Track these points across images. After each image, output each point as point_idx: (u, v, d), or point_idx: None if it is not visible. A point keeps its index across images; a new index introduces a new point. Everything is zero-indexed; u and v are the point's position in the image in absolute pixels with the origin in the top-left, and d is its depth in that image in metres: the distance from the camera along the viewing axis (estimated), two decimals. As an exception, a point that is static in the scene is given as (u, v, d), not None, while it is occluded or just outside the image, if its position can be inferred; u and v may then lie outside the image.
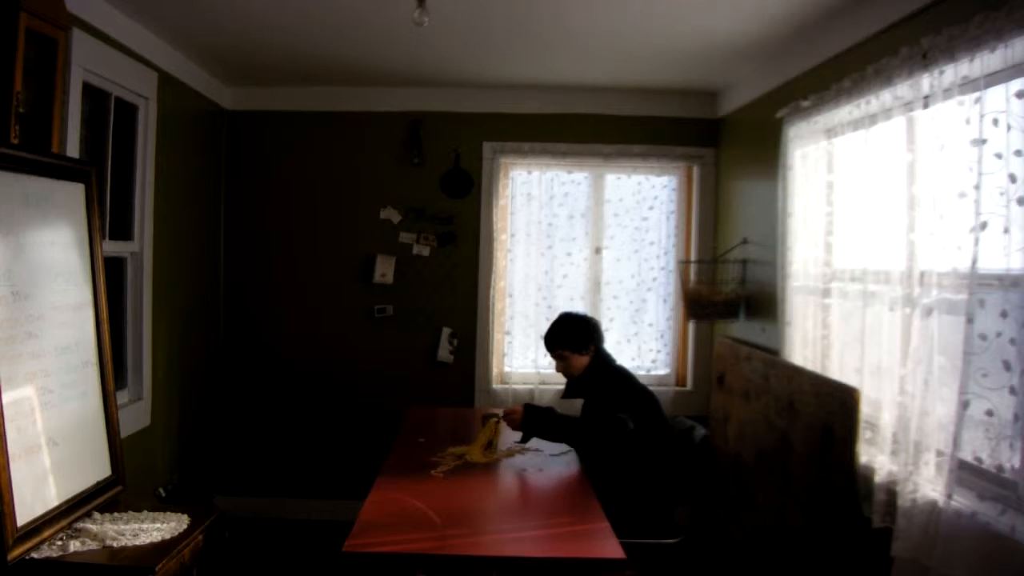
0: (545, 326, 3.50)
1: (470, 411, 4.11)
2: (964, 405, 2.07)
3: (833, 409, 2.61)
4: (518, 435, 3.22)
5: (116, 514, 2.25)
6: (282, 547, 4.15)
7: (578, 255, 4.63)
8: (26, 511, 1.92)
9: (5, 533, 1.83)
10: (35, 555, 1.93)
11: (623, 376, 3.30)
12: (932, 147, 2.29)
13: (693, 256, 4.50)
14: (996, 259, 2.00)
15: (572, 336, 3.32)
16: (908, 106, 2.43)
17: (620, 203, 4.63)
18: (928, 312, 2.26)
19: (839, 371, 2.89)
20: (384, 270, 4.53)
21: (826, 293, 3.06)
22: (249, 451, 4.61)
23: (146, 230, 3.49)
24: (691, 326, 4.53)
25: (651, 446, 3.13)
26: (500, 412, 3.20)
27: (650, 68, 3.95)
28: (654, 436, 3.14)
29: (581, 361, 3.30)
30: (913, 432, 2.29)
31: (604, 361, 3.34)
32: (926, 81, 2.31)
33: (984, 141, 2.03)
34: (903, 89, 2.44)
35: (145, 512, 2.28)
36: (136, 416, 3.39)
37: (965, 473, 2.13)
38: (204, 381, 4.35)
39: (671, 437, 3.31)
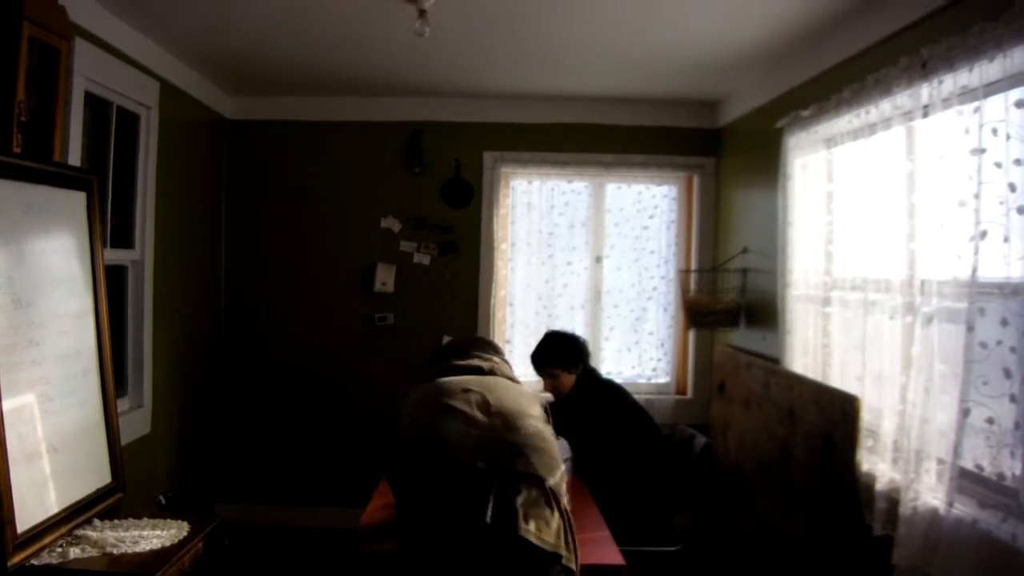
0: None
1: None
2: (965, 413, 2.06)
3: (834, 417, 2.61)
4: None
5: (116, 521, 2.24)
6: (282, 555, 4.14)
7: (578, 264, 4.63)
8: (26, 518, 1.92)
9: (5, 539, 1.82)
10: (35, 562, 1.93)
11: (614, 389, 3.32)
12: (931, 156, 2.30)
13: (693, 265, 4.50)
14: (996, 268, 2.00)
15: (562, 355, 3.32)
16: (907, 116, 2.44)
17: (620, 212, 4.64)
18: (929, 320, 2.27)
19: (840, 379, 2.88)
20: (385, 279, 4.54)
21: (826, 302, 3.07)
22: (249, 459, 4.60)
23: (147, 238, 3.50)
24: (691, 335, 4.53)
25: (650, 454, 3.13)
26: None
27: (650, 78, 3.96)
28: (652, 444, 3.15)
29: (570, 380, 3.30)
30: (914, 440, 2.29)
31: (592, 376, 3.34)
32: (925, 91, 2.32)
33: (983, 150, 2.03)
34: (902, 99, 2.45)
35: (145, 519, 2.28)
36: (136, 423, 3.39)
37: (966, 481, 2.13)
38: (204, 388, 4.35)
39: (669, 445, 3.31)
